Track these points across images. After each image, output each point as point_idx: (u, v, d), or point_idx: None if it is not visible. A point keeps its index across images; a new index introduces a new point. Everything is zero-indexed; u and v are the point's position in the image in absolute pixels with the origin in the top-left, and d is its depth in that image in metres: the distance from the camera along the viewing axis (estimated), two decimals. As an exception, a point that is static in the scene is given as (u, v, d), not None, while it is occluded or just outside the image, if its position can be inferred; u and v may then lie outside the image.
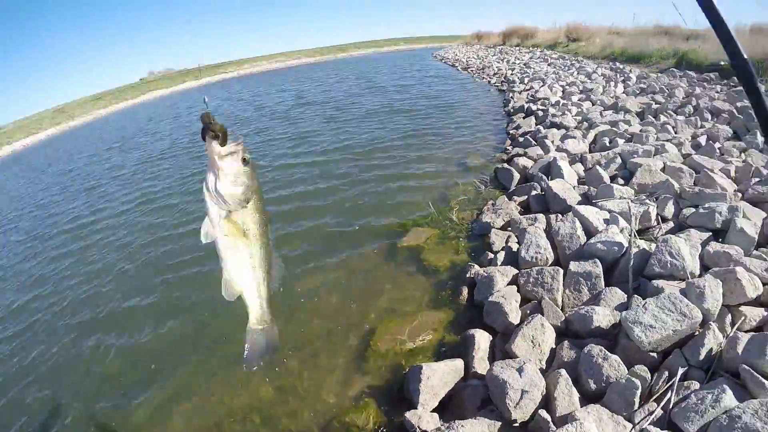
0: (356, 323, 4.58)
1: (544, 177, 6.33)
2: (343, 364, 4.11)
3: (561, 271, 4.12)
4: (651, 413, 2.78)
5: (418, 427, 3.06)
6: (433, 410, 3.29)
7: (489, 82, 20.40)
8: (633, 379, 2.89)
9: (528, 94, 13.78)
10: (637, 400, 2.83)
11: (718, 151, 6.16)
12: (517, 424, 2.95)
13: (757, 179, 5.08)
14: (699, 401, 2.66)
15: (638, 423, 2.76)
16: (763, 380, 2.67)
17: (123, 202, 11.13)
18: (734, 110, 7.79)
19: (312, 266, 5.77)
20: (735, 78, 9.04)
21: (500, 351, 3.65)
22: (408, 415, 3.15)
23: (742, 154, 6.13)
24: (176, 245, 7.53)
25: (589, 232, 4.56)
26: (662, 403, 2.81)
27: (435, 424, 3.11)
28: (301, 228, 7.02)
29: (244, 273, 1.74)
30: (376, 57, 65.91)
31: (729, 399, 2.61)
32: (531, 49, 31.08)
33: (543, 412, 2.90)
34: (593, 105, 10.43)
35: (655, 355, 3.14)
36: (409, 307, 4.66)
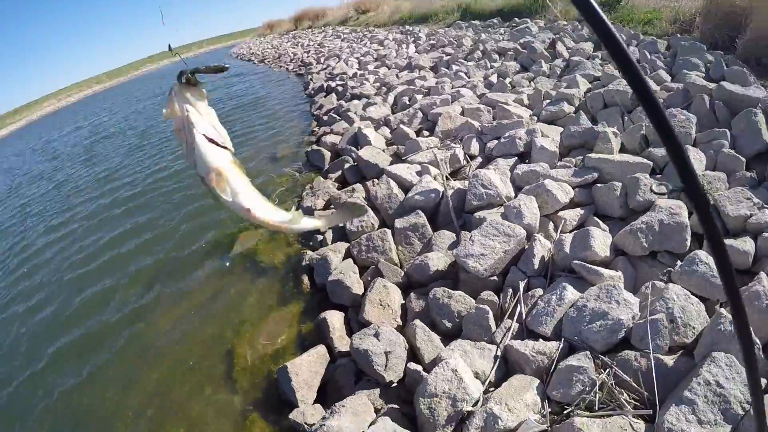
0: (215, 348, 4.44)
1: (353, 148, 6.50)
2: (214, 393, 3.97)
3: (388, 231, 4.36)
4: (508, 329, 3.08)
5: (305, 423, 3.10)
6: (315, 402, 3.38)
7: (287, 69, 20.49)
8: (480, 306, 3.21)
9: (326, 72, 14.09)
10: (491, 323, 3.14)
11: (509, 85, 6.83)
12: (395, 384, 3.15)
13: (548, 101, 5.71)
14: (546, 304, 3.05)
15: (500, 342, 3.03)
16: (595, 268, 3.11)
17: None
18: (518, 47, 8.84)
19: (155, 309, 5.42)
20: (516, 19, 10.12)
21: (356, 323, 3.79)
22: (292, 415, 3.19)
23: (531, 83, 6.87)
24: None
25: (405, 187, 4.84)
26: (515, 317, 3.14)
27: (320, 414, 3.14)
28: (133, 272, 6.49)
29: None
30: (175, 68, 62.70)
31: (571, 293, 3.03)
32: (323, 28, 31.83)
33: (412, 365, 3.09)
34: (389, 69, 11.03)
35: (495, 278, 3.50)
36: (260, 313, 4.66)
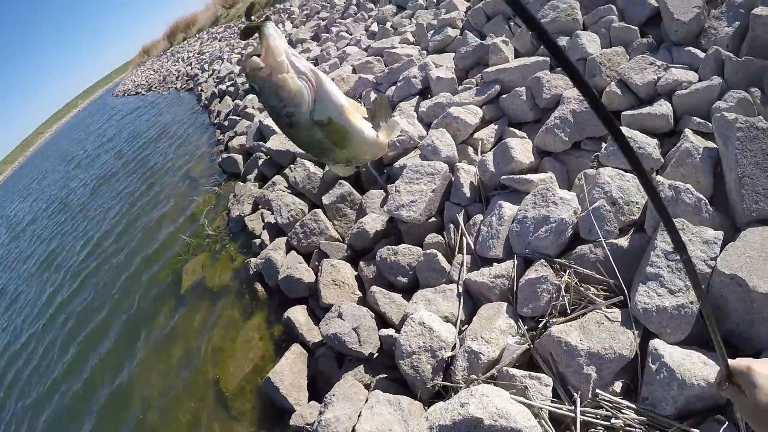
0: (198, 382, 4.41)
1: (261, 143, 6.34)
2: (210, 422, 3.96)
3: (319, 210, 4.29)
4: (462, 264, 3.08)
5: (306, 424, 3.10)
6: (310, 399, 3.37)
7: (176, 88, 19.81)
8: (428, 251, 3.20)
9: (213, 78, 13.66)
10: (443, 264, 3.14)
11: (391, 29, 6.73)
12: (376, 355, 3.16)
13: (432, 32, 5.64)
14: (488, 227, 3.05)
15: (458, 279, 3.04)
16: (523, 176, 3.12)
17: None
18: (390, -13, 8.56)
19: (129, 361, 5.29)
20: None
21: (320, 310, 3.75)
22: (293, 420, 3.18)
23: (412, 20, 6.77)
24: None
25: (321, 162, 4.65)
26: (465, 250, 3.13)
27: (317, 410, 3.10)
28: (88, 331, 6.37)
29: None
30: (65, 129, 59.78)
31: (509, 209, 3.03)
32: (197, 35, 30.83)
33: (383, 331, 3.10)
34: (273, 53, 10.65)
35: (434, 219, 3.49)
36: (229, 334, 4.62)
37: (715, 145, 2.58)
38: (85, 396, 5.12)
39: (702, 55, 3.23)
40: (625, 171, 2.79)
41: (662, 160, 2.84)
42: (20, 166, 57.07)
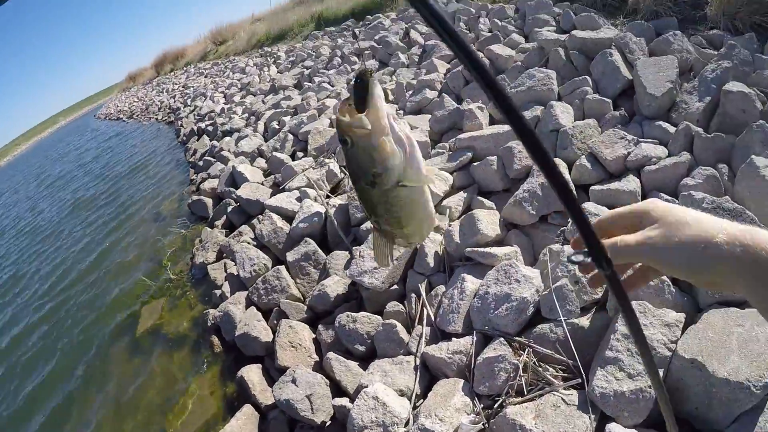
0: None
1: (232, 189, 6.27)
2: None
3: (282, 268, 4.20)
4: (421, 336, 3.01)
5: None
6: None
7: (156, 119, 19.70)
8: (387, 321, 3.13)
9: (194, 114, 13.64)
10: (402, 335, 3.07)
11: (371, 84, 6.78)
12: (329, 423, 3.07)
13: (411, 91, 5.72)
14: (450, 301, 3.00)
15: (417, 351, 2.96)
16: (488, 250, 3.09)
17: None
18: (374, 44, 8.81)
19: (64, 400, 5.07)
20: (368, 17, 10.11)
21: (275, 370, 3.65)
22: None
23: (393, 77, 6.86)
24: None
25: (289, 217, 4.73)
26: (425, 322, 3.07)
27: None
28: (42, 377, 5.91)
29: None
30: (44, 144, 58.91)
31: (471, 283, 2.98)
32: (185, 68, 30.92)
33: (337, 401, 3.01)
34: (255, 96, 10.84)
35: (396, 286, 3.43)
36: (181, 387, 4.43)
37: (681, 224, 2.59)
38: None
39: (672, 129, 3.32)
40: None
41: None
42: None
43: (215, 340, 4.50)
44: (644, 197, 3.03)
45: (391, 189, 0.86)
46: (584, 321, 2.55)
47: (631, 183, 3.07)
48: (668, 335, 2.22)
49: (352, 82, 0.84)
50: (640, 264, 0.80)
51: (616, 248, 0.72)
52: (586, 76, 4.22)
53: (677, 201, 2.75)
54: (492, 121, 4.49)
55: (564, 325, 2.51)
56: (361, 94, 0.81)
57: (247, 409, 3.44)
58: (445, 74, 5.89)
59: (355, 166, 0.86)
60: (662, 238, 0.68)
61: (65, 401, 5.07)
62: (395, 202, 0.89)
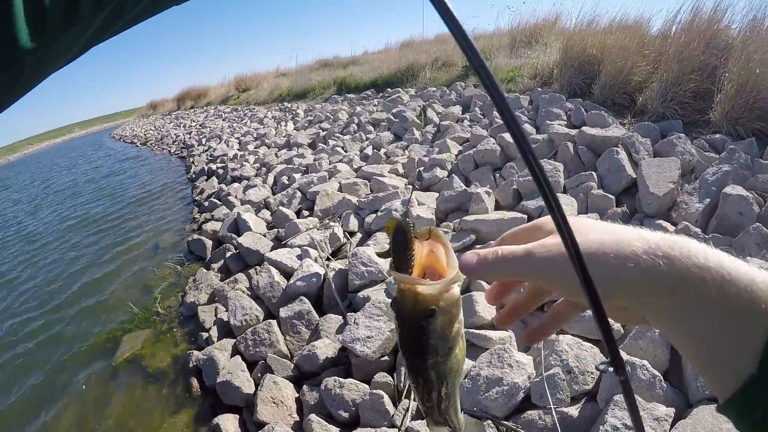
0: None
1: (234, 235, 6.30)
2: None
3: (273, 322, 4.17)
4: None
5: None
6: None
7: (169, 151, 19.87)
8: (375, 391, 3.09)
9: (207, 154, 13.83)
10: (388, 406, 3.01)
11: (384, 155, 6.97)
12: None
13: (421, 167, 5.85)
14: None
15: (401, 425, 2.90)
16: (484, 333, 3.12)
17: None
18: (391, 116, 9.08)
19: (30, 426, 4.82)
20: (388, 90, 10.52)
21: (252, 423, 3.55)
22: None
23: (405, 151, 7.04)
24: None
25: (287, 273, 4.72)
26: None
27: None
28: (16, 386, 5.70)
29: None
30: (52, 150, 59.39)
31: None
32: (205, 108, 31.49)
33: None
34: (269, 148, 11.00)
35: (387, 358, 3.41)
36: (151, 423, 4.31)
37: (675, 319, 2.64)
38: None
39: (672, 228, 3.41)
40: (585, 340, 2.83)
41: (622, 331, 2.92)
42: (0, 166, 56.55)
43: (194, 382, 4.41)
44: (639, 293, 3.10)
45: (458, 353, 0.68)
46: (573, 410, 2.56)
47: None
48: (657, 429, 2.22)
49: (394, 234, 0.61)
50: (528, 290, 0.69)
51: (496, 257, 0.56)
52: (592, 172, 4.36)
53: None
54: (497, 207, 4.59)
55: (553, 413, 2.51)
56: (403, 249, 0.60)
57: (218, 458, 3.36)
58: (456, 155, 6.05)
59: (436, 339, 0.64)
60: (559, 246, 0.50)
61: (21, 417, 4.95)
62: (453, 369, 0.68)
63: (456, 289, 0.60)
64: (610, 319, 0.48)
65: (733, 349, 0.45)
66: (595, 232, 0.51)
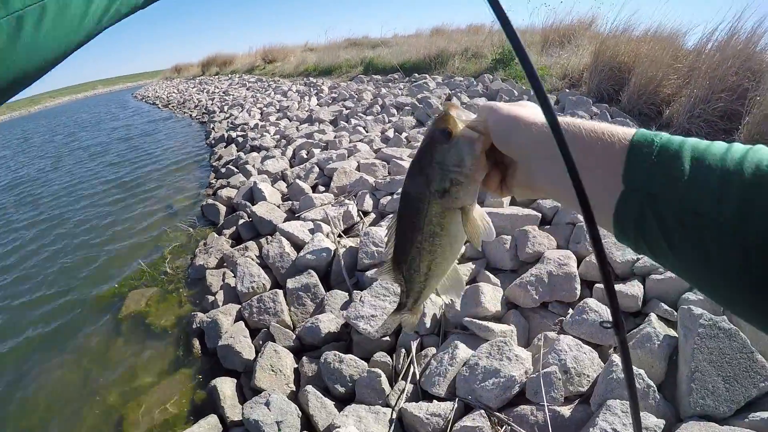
0: (102, 417, 4.10)
1: (248, 203, 6.35)
2: None
3: (280, 292, 4.20)
4: (402, 391, 3.01)
5: None
6: None
7: (191, 116, 19.92)
8: (373, 369, 3.13)
9: (228, 122, 13.86)
10: (384, 386, 3.06)
11: (405, 140, 6.96)
12: None
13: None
14: (439, 364, 3.00)
15: (395, 405, 2.95)
16: (486, 324, 3.13)
17: None
18: (416, 102, 9.12)
19: (31, 371, 4.94)
20: (415, 75, 10.53)
21: (249, 389, 3.60)
22: None
23: (426, 138, 7.03)
24: None
25: (298, 245, 4.75)
26: (409, 378, 3.07)
27: None
28: (18, 330, 5.85)
29: None
30: (73, 105, 59.91)
31: (463, 351, 3.01)
32: (230, 75, 31.50)
33: None
34: (290, 121, 11.01)
35: (388, 338, 3.44)
36: (151, 378, 4.37)
37: (676, 335, 2.67)
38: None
39: None
40: (585, 343, 2.85)
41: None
42: (21, 117, 57.48)
43: (196, 343, 4.47)
44: (644, 304, 3.12)
45: (452, 211, 0.80)
46: (566, 410, 2.57)
47: (635, 287, 3.13)
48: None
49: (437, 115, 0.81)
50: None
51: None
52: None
53: (675, 313, 2.84)
54: (512, 202, 4.58)
55: (546, 410, 2.54)
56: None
57: (212, 419, 3.40)
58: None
59: (438, 165, 0.78)
60: (513, 108, 0.73)
61: (22, 361, 5.06)
62: (443, 231, 0.82)
63: (477, 145, 0.75)
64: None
65: (602, 182, 0.58)
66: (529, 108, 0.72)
